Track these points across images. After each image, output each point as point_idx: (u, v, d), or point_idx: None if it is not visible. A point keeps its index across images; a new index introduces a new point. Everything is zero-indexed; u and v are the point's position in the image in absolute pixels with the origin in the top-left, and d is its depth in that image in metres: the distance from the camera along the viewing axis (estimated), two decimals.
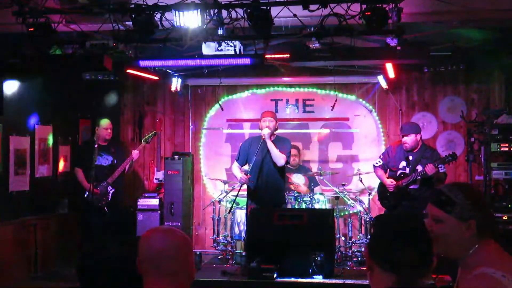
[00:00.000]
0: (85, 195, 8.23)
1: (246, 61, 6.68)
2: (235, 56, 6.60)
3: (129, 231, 8.90)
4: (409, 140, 7.76)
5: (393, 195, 7.84)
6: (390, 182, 7.84)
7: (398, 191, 7.79)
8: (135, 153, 8.62)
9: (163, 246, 2.29)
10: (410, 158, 7.80)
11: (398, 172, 7.86)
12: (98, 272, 2.51)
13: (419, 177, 7.65)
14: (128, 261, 2.40)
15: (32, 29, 6.07)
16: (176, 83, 9.73)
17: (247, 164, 7.83)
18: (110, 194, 8.38)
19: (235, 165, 8.01)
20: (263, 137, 7.59)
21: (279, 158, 7.61)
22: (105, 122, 8.65)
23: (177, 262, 2.29)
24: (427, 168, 7.45)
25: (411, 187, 7.77)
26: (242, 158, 7.94)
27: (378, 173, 8.10)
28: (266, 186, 7.78)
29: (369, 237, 7.77)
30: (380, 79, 9.34)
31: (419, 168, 7.67)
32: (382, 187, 8.09)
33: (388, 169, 8.02)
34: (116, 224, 8.32)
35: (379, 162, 8.12)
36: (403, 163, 7.84)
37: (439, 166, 7.52)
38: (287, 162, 7.84)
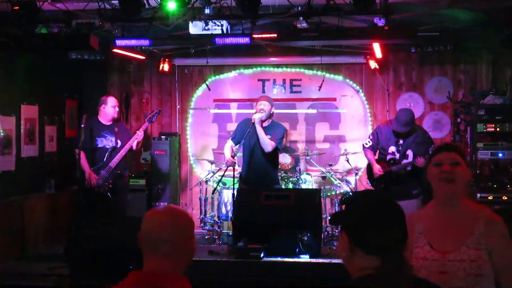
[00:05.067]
0: (85, 183, 7.69)
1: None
2: (222, 35, 6.57)
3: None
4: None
5: (382, 178, 7.60)
6: (378, 170, 7.60)
7: (388, 174, 7.58)
8: (139, 134, 7.96)
9: (161, 229, 2.29)
10: (401, 142, 7.51)
11: (388, 157, 7.62)
12: (86, 252, 2.52)
13: (409, 168, 7.45)
14: (115, 242, 2.41)
15: (17, 7, 6.00)
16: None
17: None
18: (112, 179, 7.82)
19: (229, 143, 7.86)
20: (253, 120, 7.49)
21: (266, 144, 7.48)
22: (112, 100, 8.07)
23: (174, 244, 2.28)
24: (418, 161, 7.23)
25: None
26: (238, 137, 7.80)
27: (368, 155, 7.80)
28: (255, 170, 7.73)
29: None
30: (368, 59, 9.36)
31: (409, 153, 7.44)
32: (370, 168, 7.99)
33: (378, 151, 7.86)
34: (121, 209, 8.02)
35: (369, 142, 7.78)
36: (393, 148, 7.56)
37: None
38: (277, 148, 7.72)
